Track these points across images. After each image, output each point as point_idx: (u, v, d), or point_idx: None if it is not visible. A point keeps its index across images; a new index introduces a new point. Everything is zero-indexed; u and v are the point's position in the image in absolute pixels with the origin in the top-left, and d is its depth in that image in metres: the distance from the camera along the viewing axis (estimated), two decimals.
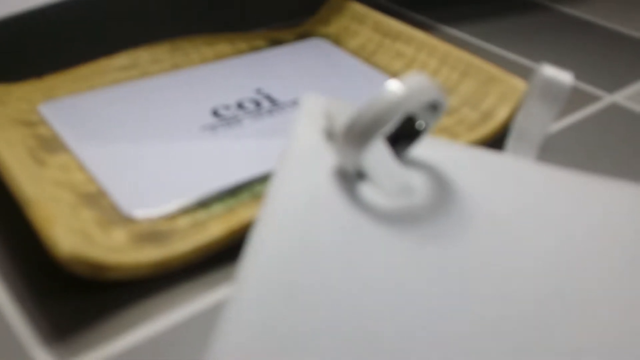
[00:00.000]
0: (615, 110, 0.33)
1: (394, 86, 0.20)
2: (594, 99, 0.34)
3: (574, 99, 0.34)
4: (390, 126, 0.20)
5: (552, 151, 0.30)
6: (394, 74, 0.33)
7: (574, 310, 0.19)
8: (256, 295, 0.17)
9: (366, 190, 0.21)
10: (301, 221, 0.20)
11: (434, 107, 0.22)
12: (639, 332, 0.18)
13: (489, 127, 0.28)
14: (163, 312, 0.20)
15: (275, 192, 0.21)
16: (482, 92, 0.30)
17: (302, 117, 0.24)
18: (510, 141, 0.26)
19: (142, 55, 0.32)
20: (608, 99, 0.34)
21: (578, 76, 0.36)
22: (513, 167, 0.24)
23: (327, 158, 0.22)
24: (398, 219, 0.21)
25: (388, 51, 0.34)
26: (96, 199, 0.23)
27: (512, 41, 0.40)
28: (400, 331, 0.17)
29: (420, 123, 0.23)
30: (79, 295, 0.21)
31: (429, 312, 0.18)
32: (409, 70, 0.33)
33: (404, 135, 0.23)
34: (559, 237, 0.21)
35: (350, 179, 0.22)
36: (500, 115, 0.29)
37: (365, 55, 0.34)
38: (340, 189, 0.21)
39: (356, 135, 0.20)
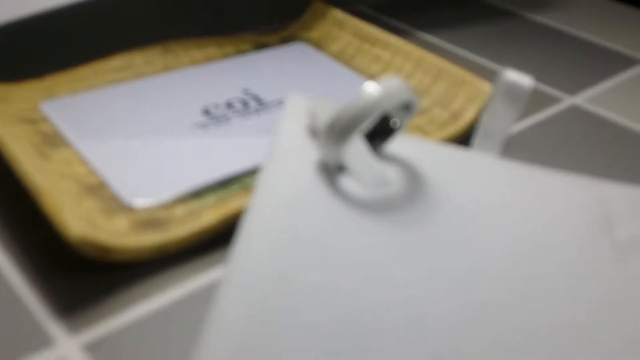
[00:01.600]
0: (574, 111, 0.36)
1: (371, 88, 0.22)
2: (555, 100, 0.37)
3: (537, 101, 0.37)
4: (367, 124, 0.22)
5: (516, 148, 0.32)
6: (371, 77, 0.35)
7: (530, 290, 0.21)
8: (247, 278, 0.19)
9: (346, 183, 0.24)
10: (287, 210, 0.22)
11: (407, 107, 0.24)
12: (589, 312, 0.21)
13: (458, 126, 0.31)
14: (162, 291, 0.22)
15: (263, 184, 0.23)
16: (452, 93, 0.33)
17: (287, 116, 0.26)
18: (477, 139, 0.28)
19: (136, 57, 0.34)
20: (568, 101, 0.37)
21: (541, 79, 0.39)
22: (478, 162, 0.26)
23: (310, 153, 0.24)
24: (375, 208, 0.23)
25: (366, 55, 0.37)
26: (98, 190, 0.25)
27: (481, 46, 0.42)
28: (376, 306, 0.19)
29: (394, 121, 0.25)
30: (85, 276, 0.23)
31: (400, 289, 0.20)
32: (386, 73, 0.35)
33: (380, 133, 0.26)
34: (520, 225, 0.23)
35: (332, 172, 0.24)
36: (468, 115, 0.31)
37: (345, 59, 0.37)
38: (322, 181, 0.23)
39: (337, 132, 0.22)
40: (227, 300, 0.19)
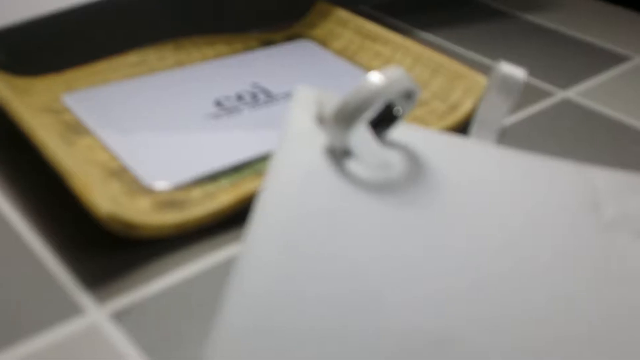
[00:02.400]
0: (566, 105, 0.38)
1: (375, 77, 0.24)
2: (547, 94, 0.39)
3: (530, 94, 0.39)
4: (371, 111, 0.24)
5: (510, 140, 0.34)
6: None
7: (523, 266, 0.23)
8: (262, 251, 0.21)
9: (352, 166, 0.26)
10: (298, 191, 0.24)
11: (409, 96, 0.26)
12: (577, 287, 0.22)
13: (456, 116, 0.33)
14: (182, 266, 0.24)
15: (275, 167, 0.25)
16: (450, 87, 0.35)
17: (296, 105, 0.28)
18: (473, 128, 0.30)
19: (150, 53, 0.36)
20: (561, 94, 0.39)
21: (535, 74, 0.41)
22: (474, 149, 0.28)
23: (318, 139, 0.26)
24: (378, 189, 0.25)
25: (368, 51, 0.39)
26: (120, 174, 0.27)
27: (478, 44, 0.44)
28: (380, 276, 0.21)
29: (397, 109, 0.27)
30: (112, 252, 0.24)
31: (401, 261, 0.22)
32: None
33: (383, 120, 0.27)
34: (512, 205, 0.25)
35: (339, 156, 0.26)
36: (465, 106, 0.33)
37: (348, 55, 0.39)
38: (330, 164, 0.25)
39: (343, 118, 0.24)
40: (245, 272, 0.20)
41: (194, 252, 0.25)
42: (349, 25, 0.40)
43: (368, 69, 0.37)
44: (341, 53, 0.39)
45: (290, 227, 0.22)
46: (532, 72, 0.41)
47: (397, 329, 0.20)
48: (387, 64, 0.37)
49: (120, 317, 0.22)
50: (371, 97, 0.24)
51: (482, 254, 0.23)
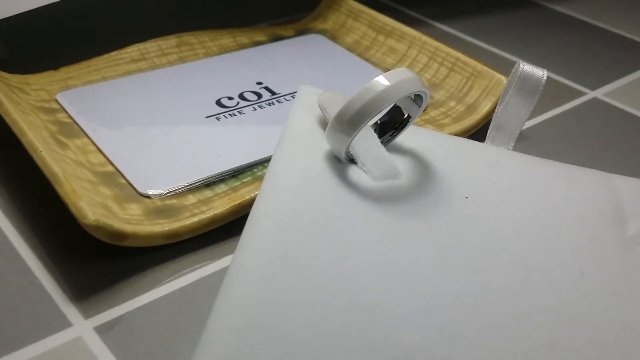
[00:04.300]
0: (595, 104, 0.35)
1: (380, 79, 0.22)
2: (576, 93, 0.36)
3: (557, 93, 0.36)
4: (375, 115, 0.22)
5: (533, 142, 0.32)
6: (386, 69, 0.35)
7: (534, 279, 0.21)
8: (252, 260, 0.19)
9: (355, 172, 0.24)
10: (295, 197, 0.22)
11: (418, 99, 0.24)
12: (593, 300, 0.21)
13: (473, 119, 0.31)
14: (172, 278, 0.23)
15: (272, 171, 0.23)
16: (468, 86, 0.32)
17: (298, 106, 0.26)
18: (490, 132, 0.28)
19: (151, 48, 0.35)
20: (590, 94, 0.36)
21: (562, 72, 0.39)
22: (489, 154, 0.26)
23: (320, 143, 0.25)
24: (381, 197, 0.23)
25: (381, 47, 0.37)
26: (113, 178, 0.25)
27: (500, 37, 0.42)
28: (375, 287, 0.19)
29: (406, 114, 0.25)
30: (102, 262, 0.23)
31: (400, 275, 0.20)
32: (401, 65, 0.35)
33: (391, 124, 0.25)
34: (527, 215, 0.23)
35: (341, 162, 0.24)
36: (483, 107, 0.31)
37: (360, 51, 0.37)
38: (330, 170, 0.23)
39: (346, 122, 0.22)
40: (234, 281, 0.19)
41: (186, 262, 0.23)
42: (361, 18, 0.38)
43: (381, 65, 0.35)
44: (353, 48, 0.37)
45: (284, 236, 0.21)
46: (558, 68, 0.39)
47: (390, 345, 0.18)
48: (401, 61, 0.35)
49: (105, 330, 0.20)
50: (376, 102, 0.22)
51: (490, 267, 0.21)
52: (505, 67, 0.38)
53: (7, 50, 0.37)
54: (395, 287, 0.20)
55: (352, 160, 0.24)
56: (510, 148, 0.28)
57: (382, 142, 0.25)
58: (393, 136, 0.25)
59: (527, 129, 0.33)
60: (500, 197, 0.24)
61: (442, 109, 0.32)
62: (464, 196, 0.24)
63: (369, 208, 0.22)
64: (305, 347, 0.17)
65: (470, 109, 0.31)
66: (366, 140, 0.25)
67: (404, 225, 0.22)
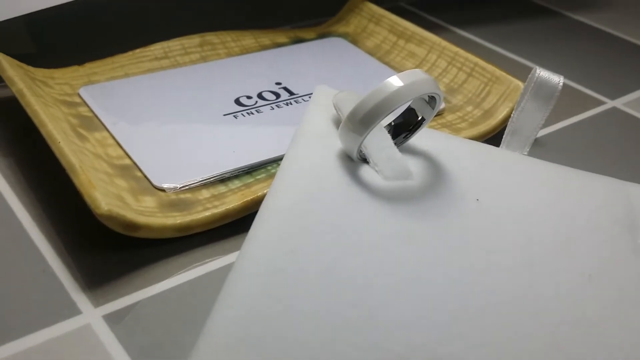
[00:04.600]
0: (614, 114, 0.35)
1: (393, 80, 0.22)
2: (594, 102, 0.36)
3: (576, 101, 0.36)
4: (387, 115, 0.22)
5: (550, 149, 0.32)
6: None
7: (542, 287, 0.21)
8: (258, 255, 0.20)
9: (366, 172, 0.24)
10: (305, 193, 0.22)
11: (432, 101, 0.24)
12: (602, 309, 0.20)
13: (489, 124, 0.31)
14: (182, 270, 0.23)
15: (283, 169, 0.23)
16: (485, 91, 0.32)
17: (313, 106, 0.27)
18: (506, 136, 0.28)
19: (174, 47, 0.35)
20: (609, 104, 0.36)
21: (583, 81, 0.38)
22: (501, 158, 0.26)
23: (333, 142, 0.25)
24: (391, 197, 0.23)
25: (401, 51, 0.37)
26: (130, 171, 0.26)
27: (520, 45, 0.42)
28: (380, 290, 0.20)
29: (420, 116, 0.25)
30: (115, 252, 0.23)
31: (405, 277, 0.20)
32: (421, 69, 0.35)
33: (405, 126, 0.26)
34: (537, 221, 0.23)
35: (353, 162, 0.24)
36: (500, 113, 0.31)
37: (380, 55, 0.37)
38: (342, 169, 0.24)
39: (358, 122, 0.23)
40: (239, 273, 0.19)
41: (196, 256, 0.24)
42: (382, 23, 0.38)
43: (400, 69, 0.36)
44: (373, 52, 0.37)
45: (292, 232, 0.21)
46: (578, 77, 0.39)
47: (391, 343, 0.18)
48: (420, 66, 0.35)
49: (113, 319, 0.21)
50: (388, 102, 0.22)
51: (497, 269, 0.21)
52: (524, 74, 0.38)
53: (34, 45, 0.37)
54: (400, 287, 0.20)
55: (364, 160, 0.25)
56: (525, 153, 0.28)
57: (395, 143, 0.26)
58: (406, 138, 0.26)
59: (545, 135, 0.33)
60: (511, 201, 0.24)
61: (459, 113, 0.32)
62: (474, 199, 0.24)
63: (379, 207, 0.22)
64: (306, 341, 0.17)
65: (487, 114, 0.31)
66: (379, 141, 0.25)
67: (413, 225, 0.22)
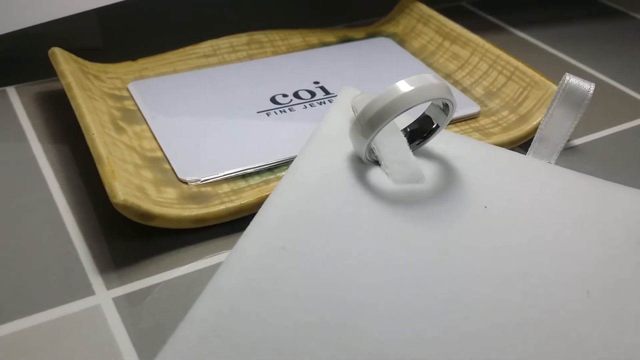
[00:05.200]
0: None
1: (401, 84, 0.22)
2: None
3: (630, 110, 0.34)
4: (393, 119, 0.22)
5: (589, 156, 0.31)
6: (447, 75, 0.35)
7: (534, 290, 0.20)
8: (249, 248, 0.20)
9: (375, 174, 0.24)
10: (308, 193, 0.23)
11: (447, 108, 0.24)
12: (588, 314, 0.20)
13: (522, 129, 0.30)
14: (195, 260, 0.24)
15: (294, 167, 0.24)
16: (523, 96, 0.32)
17: (336, 106, 0.27)
18: (533, 143, 0.28)
19: (223, 45, 0.37)
20: None
21: (638, 88, 0.36)
22: (521, 166, 0.25)
23: (347, 143, 0.25)
24: (396, 200, 0.23)
25: (446, 52, 0.36)
26: (159, 164, 0.28)
27: (579, 47, 0.40)
28: (363, 288, 0.20)
29: (435, 123, 0.25)
30: (133, 240, 0.25)
31: (395, 277, 0.20)
32: (461, 71, 0.35)
33: (420, 133, 0.26)
34: (542, 229, 0.23)
35: (364, 163, 0.25)
36: (535, 119, 0.30)
37: (424, 55, 0.37)
38: (350, 170, 0.24)
39: (364, 124, 0.23)
40: (227, 265, 0.20)
41: (210, 247, 0.25)
42: (430, 24, 0.38)
43: (442, 71, 0.35)
44: (419, 52, 0.37)
45: (286, 229, 0.21)
46: (635, 83, 0.37)
47: (366, 343, 0.18)
48: (462, 68, 0.35)
49: (122, 302, 0.22)
50: (394, 106, 0.22)
51: (490, 277, 0.21)
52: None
53: (101, 40, 0.40)
54: (385, 289, 0.20)
55: (376, 162, 0.25)
56: (552, 162, 0.27)
57: (412, 147, 0.26)
58: (419, 144, 0.26)
59: (586, 143, 0.32)
60: (522, 210, 0.24)
61: (494, 118, 0.32)
62: (482, 205, 0.24)
63: (381, 210, 0.23)
64: (277, 336, 0.18)
65: (522, 119, 0.31)
66: (394, 143, 0.25)
67: (411, 229, 0.22)
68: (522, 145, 0.30)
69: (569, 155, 0.31)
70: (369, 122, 0.23)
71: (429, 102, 0.25)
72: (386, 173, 0.24)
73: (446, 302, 0.20)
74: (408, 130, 0.26)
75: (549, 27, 0.43)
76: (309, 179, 0.23)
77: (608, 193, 0.25)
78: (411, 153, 0.25)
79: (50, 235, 0.25)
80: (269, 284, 0.19)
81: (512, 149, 0.30)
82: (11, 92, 0.34)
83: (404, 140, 0.25)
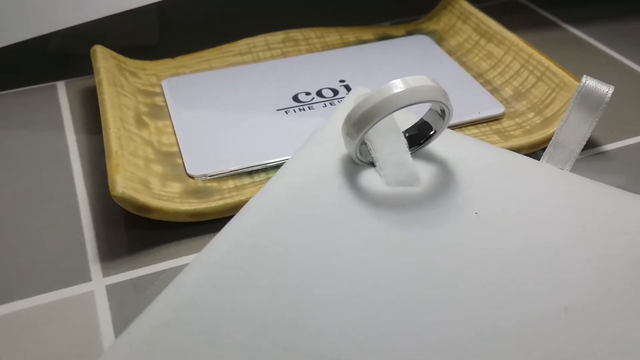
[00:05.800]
0: None
1: (392, 85, 0.22)
2: None
3: None
4: (379, 120, 0.22)
5: (620, 163, 0.29)
6: (479, 74, 0.34)
7: (508, 303, 0.20)
8: (220, 244, 0.21)
9: (368, 176, 0.24)
10: (292, 192, 0.23)
11: (444, 114, 0.24)
12: (562, 332, 0.19)
13: (544, 132, 0.29)
14: (189, 253, 0.25)
15: (285, 166, 0.24)
16: (551, 97, 0.30)
17: (342, 106, 0.27)
18: (548, 148, 0.26)
19: (259, 42, 0.38)
20: None
21: None
22: (528, 172, 0.24)
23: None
24: (384, 202, 0.23)
25: (481, 51, 0.35)
26: (172, 158, 0.29)
27: (636, 47, 0.38)
28: (328, 291, 0.20)
29: (433, 129, 0.25)
30: (136, 231, 0.26)
31: (363, 281, 0.20)
32: (494, 71, 0.34)
33: (417, 139, 0.25)
34: (534, 240, 0.22)
35: (357, 164, 0.24)
36: (559, 122, 0.29)
37: (459, 54, 0.36)
38: (340, 171, 0.24)
39: (352, 125, 0.23)
40: (195, 260, 0.20)
41: (207, 241, 0.26)
42: (470, 21, 0.37)
43: (475, 70, 0.34)
44: (454, 50, 0.36)
45: (260, 228, 0.21)
46: None
47: (313, 352, 0.18)
48: (494, 67, 0.34)
49: (113, 289, 0.24)
50: (381, 107, 0.22)
51: (463, 287, 0.20)
52: (624, 78, 0.35)
53: (156, 36, 0.42)
54: (352, 292, 0.20)
55: (372, 163, 0.25)
56: (568, 168, 0.26)
57: (410, 150, 0.25)
58: (416, 150, 0.25)
59: (619, 148, 0.30)
60: (516, 218, 0.23)
61: (518, 120, 0.30)
62: (473, 212, 0.23)
63: (366, 212, 0.23)
64: (230, 333, 0.18)
65: (547, 121, 0.29)
66: (392, 145, 0.25)
67: (394, 233, 0.22)
68: (544, 149, 0.29)
69: (596, 162, 0.29)
70: (357, 122, 0.23)
71: (429, 107, 0.25)
72: (380, 175, 0.24)
73: (414, 308, 0.20)
74: (407, 135, 0.25)
75: (604, 23, 0.41)
76: (296, 178, 0.24)
77: (621, 203, 0.23)
78: (409, 155, 0.25)
79: (64, 223, 0.27)
80: (231, 280, 0.20)
81: (535, 153, 0.28)
82: (60, 86, 0.37)
83: (403, 141, 0.25)
